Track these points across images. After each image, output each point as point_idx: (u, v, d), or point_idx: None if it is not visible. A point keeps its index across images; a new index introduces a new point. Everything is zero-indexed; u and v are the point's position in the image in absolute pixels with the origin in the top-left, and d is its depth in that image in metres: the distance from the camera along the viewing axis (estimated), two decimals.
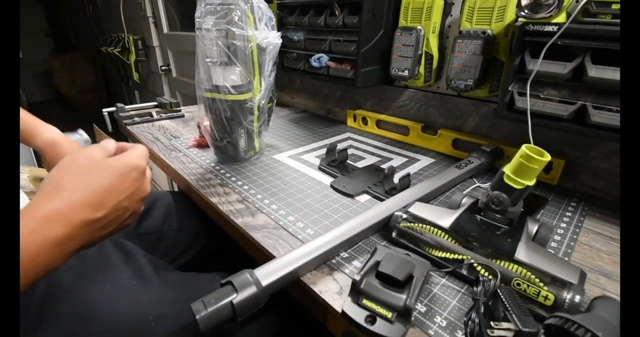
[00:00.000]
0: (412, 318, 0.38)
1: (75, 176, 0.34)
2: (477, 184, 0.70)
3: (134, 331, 0.45)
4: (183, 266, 0.75)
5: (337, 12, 0.84)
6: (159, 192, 0.79)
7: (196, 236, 0.77)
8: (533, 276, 0.39)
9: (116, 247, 0.57)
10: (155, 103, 1.19)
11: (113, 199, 0.35)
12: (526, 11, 0.53)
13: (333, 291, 0.42)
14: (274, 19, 0.69)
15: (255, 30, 0.65)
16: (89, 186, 0.34)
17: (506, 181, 0.46)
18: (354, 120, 1.07)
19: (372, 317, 0.37)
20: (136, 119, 1.07)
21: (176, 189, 1.20)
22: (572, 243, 0.52)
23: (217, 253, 0.82)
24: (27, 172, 0.88)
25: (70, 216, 0.32)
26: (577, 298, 0.36)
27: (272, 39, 0.68)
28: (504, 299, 0.35)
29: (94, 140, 1.69)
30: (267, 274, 0.40)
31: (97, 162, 0.36)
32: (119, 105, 1.09)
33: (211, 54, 0.64)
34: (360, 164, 0.78)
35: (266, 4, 0.67)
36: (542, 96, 0.56)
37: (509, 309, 0.34)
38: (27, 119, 0.57)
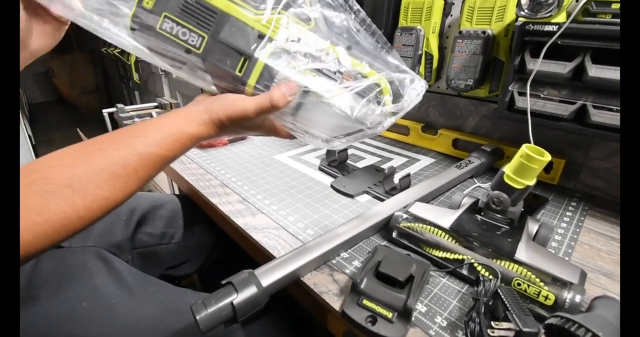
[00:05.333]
0: (413, 318, 0.38)
1: (230, 127, 0.40)
2: (478, 184, 0.70)
3: None
4: (189, 274, 0.75)
5: None
6: (165, 197, 0.77)
7: (201, 245, 0.76)
8: (533, 276, 0.39)
9: (103, 263, 0.54)
10: (156, 104, 1.20)
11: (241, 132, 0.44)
12: (526, 11, 0.53)
13: (333, 292, 0.42)
14: None
15: None
16: (234, 131, 0.42)
17: (506, 180, 0.46)
18: None
19: (373, 318, 0.37)
20: (136, 119, 1.07)
21: (177, 192, 1.20)
22: (572, 243, 0.52)
23: (224, 262, 0.82)
24: None
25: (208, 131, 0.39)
26: (578, 298, 0.36)
27: None
28: (504, 299, 0.35)
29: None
30: (268, 274, 0.40)
31: (245, 123, 0.40)
32: (119, 106, 1.09)
33: None
34: (360, 164, 0.78)
35: None
36: (542, 96, 0.56)
37: (510, 309, 0.34)
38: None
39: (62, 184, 0.31)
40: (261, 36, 0.37)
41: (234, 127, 0.40)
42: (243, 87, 0.38)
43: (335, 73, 0.38)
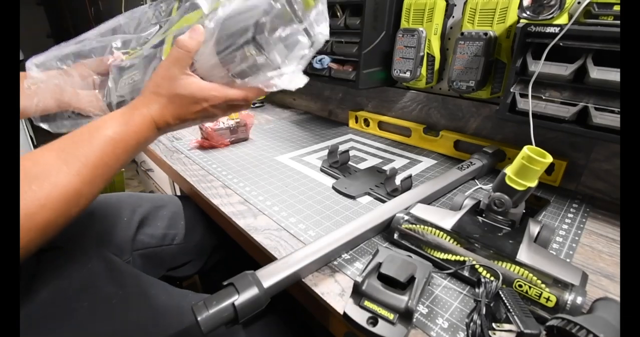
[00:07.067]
0: (414, 320, 0.38)
1: (166, 99, 0.43)
2: (479, 186, 0.70)
3: None
4: (190, 275, 0.75)
5: (338, 14, 0.84)
6: (166, 198, 0.77)
7: (202, 246, 0.76)
8: (535, 278, 0.39)
9: (104, 264, 0.54)
10: None
11: (189, 115, 0.45)
12: (528, 12, 0.53)
13: (335, 293, 0.42)
14: None
15: None
16: (174, 107, 0.44)
17: (508, 182, 0.46)
18: (356, 122, 1.07)
19: (374, 319, 0.37)
20: None
21: (178, 192, 1.20)
22: (573, 245, 0.52)
23: (226, 263, 0.82)
24: None
25: (159, 122, 0.44)
26: (579, 300, 0.36)
27: None
28: (505, 301, 0.35)
29: None
30: (269, 275, 0.40)
31: (176, 85, 0.43)
32: None
33: None
34: (362, 166, 0.78)
35: None
36: (543, 98, 0.56)
37: (511, 310, 0.34)
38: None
39: None
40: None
41: (172, 94, 0.42)
42: None
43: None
